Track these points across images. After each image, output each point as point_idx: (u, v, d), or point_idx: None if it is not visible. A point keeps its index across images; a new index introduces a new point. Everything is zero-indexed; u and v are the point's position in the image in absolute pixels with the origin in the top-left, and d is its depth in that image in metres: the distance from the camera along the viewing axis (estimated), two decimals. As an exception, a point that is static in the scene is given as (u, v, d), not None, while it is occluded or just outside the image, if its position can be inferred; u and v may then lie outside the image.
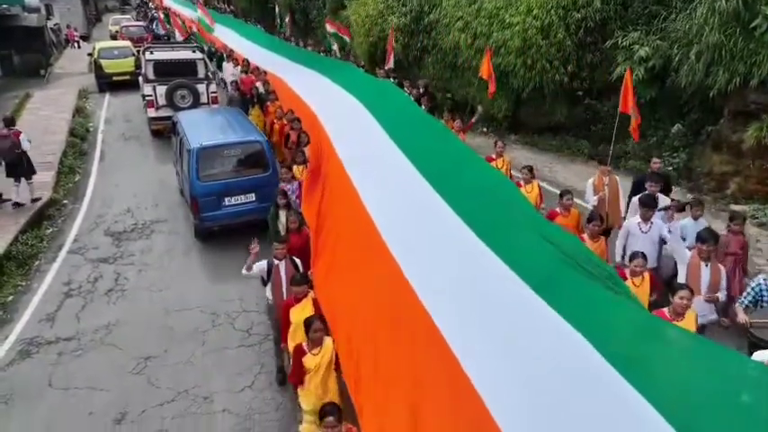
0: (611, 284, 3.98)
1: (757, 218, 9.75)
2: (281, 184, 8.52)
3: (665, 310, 5.03)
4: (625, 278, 5.31)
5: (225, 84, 17.86)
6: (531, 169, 8.21)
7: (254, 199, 9.40)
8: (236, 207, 9.34)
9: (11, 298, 8.41)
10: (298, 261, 6.42)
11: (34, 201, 11.04)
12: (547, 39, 12.94)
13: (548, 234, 4.47)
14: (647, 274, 5.68)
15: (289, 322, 5.53)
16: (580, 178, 12.44)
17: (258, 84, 14.82)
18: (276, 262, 6.20)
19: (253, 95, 14.39)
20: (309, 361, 4.92)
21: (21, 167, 10.78)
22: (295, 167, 9.04)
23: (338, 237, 6.12)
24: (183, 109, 13.76)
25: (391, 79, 14.37)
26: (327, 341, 4.99)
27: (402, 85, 14.06)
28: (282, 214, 7.77)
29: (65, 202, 11.80)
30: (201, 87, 15.19)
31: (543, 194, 8.43)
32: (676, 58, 11.00)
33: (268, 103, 13.18)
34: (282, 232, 7.41)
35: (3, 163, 10.74)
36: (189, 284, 8.58)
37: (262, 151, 9.60)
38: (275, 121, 12.19)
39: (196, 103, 14.90)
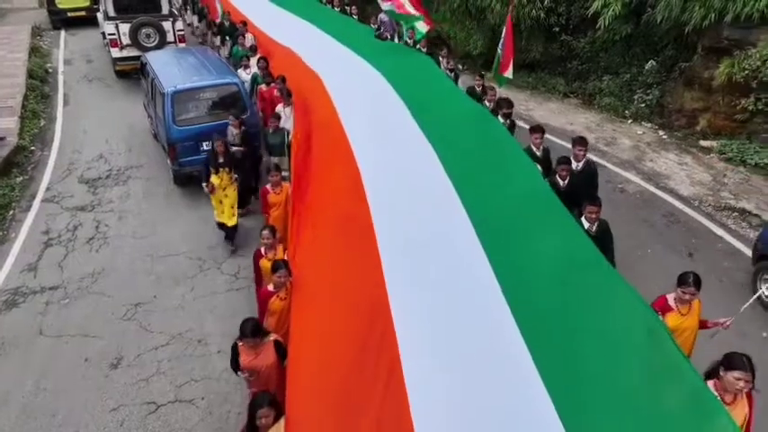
0: None
1: (724, 153, 10.10)
2: None
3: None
4: (667, 309, 4.56)
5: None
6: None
7: (232, 143, 9.22)
8: (214, 152, 9.15)
9: (-12, 248, 8.29)
10: None
11: (-2, 142, 10.60)
12: (524, -29, 12.67)
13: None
14: (695, 304, 4.59)
15: None
16: (556, 116, 12.60)
17: (280, 106, 8.98)
18: None
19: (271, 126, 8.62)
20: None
21: None
22: None
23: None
24: (149, 49, 13.13)
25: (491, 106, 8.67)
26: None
27: (496, 111, 8.15)
28: None
29: (32, 148, 11.39)
30: (167, 25, 14.46)
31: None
32: (653, -7, 10.98)
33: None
34: None
35: None
36: (172, 230, 8.55)
37: (238, 93, 9.34)
38: None
39: (162, 43, 14.23)
